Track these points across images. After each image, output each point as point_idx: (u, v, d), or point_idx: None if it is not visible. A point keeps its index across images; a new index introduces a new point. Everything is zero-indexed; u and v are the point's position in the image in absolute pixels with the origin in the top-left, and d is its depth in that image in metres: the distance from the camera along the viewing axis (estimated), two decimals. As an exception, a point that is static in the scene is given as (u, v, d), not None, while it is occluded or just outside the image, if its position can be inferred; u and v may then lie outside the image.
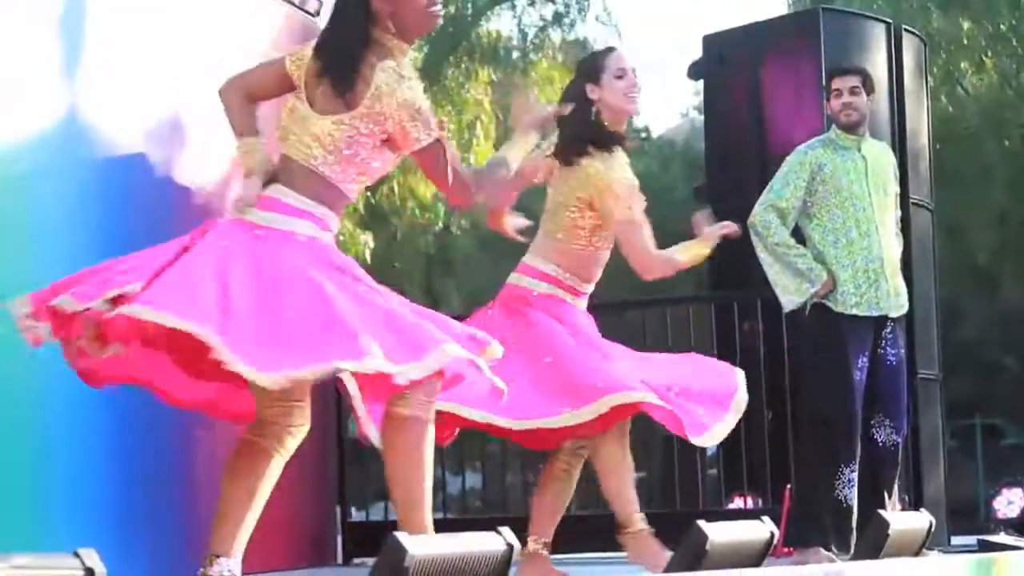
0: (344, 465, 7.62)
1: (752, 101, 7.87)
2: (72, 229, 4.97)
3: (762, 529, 3.99)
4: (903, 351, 5.83)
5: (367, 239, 16.03)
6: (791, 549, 5.88)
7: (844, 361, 5.61)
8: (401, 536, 2.75)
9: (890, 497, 5.75)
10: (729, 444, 7.45)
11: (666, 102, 56.54)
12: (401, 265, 19.24)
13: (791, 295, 5.74)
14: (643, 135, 27.22)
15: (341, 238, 15.58)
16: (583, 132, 4.52)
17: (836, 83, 5.85)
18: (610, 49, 4.74)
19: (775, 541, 4.03)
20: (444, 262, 19.89)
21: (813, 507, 5.68)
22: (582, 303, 4.66)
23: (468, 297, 22.19)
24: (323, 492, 7.16)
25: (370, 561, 2.68)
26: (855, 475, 5.61)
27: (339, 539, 7.39)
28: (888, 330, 5.75)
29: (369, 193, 16.66)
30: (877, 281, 5.70)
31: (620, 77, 4.54)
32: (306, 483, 6.63)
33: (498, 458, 8.69)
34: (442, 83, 16.41)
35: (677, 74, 42.38)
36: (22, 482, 4.74)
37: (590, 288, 4.69)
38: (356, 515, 8.78)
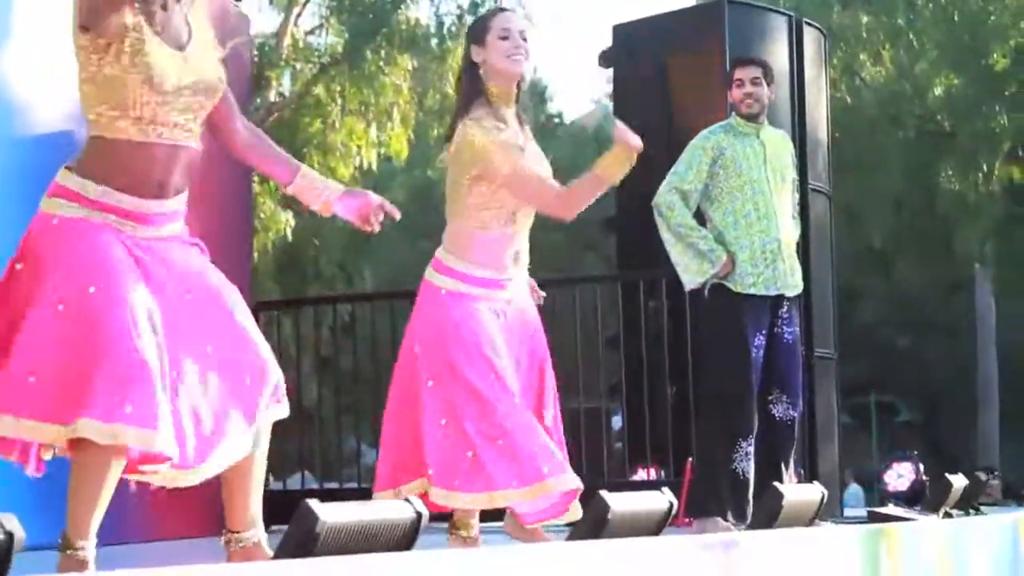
0: (262, 436, 7.72)
1: (660, 89, 8.03)
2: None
3: (662, 500, 4.02)
4: (799, 330, 5.99)
5: (288, 217, 16.21)
6: (691, 520, 5.98)
7: (741, 339, 5.76)
8: (312, 503, 2.77)
9: (787, 470, 5.88)
10: (634, 418, 7.74)
11: (578, 88, 56.64)
12: (320, 243, 19.37)
13: (692, 275, 5.88)
14: (556, 120, 27.42)
15: (262, 216, 15.72)
16: (465, 95, 4.35)
17: (738, 73, 6.01)
18: (498, 10, 4.56)
19: (675, 511, 4.07)
20: (361, 240, 20.01)
21: (712, 479, 5.81)
22: (504, 294, 4.35)
23: (383, 275, 22.35)
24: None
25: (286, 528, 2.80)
26: (752, 448, 5.74)
27: (257, 508, 7.52)
28: (784, 309, 5.90)
29: (291, 175, 16.80)
30: (774, 262, 5.86)
31: (504, 38, 4.30)
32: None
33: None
34: (362, 68, 16.56)
35: (589, 61, 42.55)
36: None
37: (512, 274, 4.37)
38: (274, 484, 8.94)
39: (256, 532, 3.44)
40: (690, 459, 6.75)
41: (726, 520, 5.69)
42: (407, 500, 3.12)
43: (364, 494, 7.54)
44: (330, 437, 9.30)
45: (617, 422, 8.66)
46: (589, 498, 3.80)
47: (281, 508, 7.51)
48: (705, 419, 6.03)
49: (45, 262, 3.23)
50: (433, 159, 16.06)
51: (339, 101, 16.96)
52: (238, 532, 3.42)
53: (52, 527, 3.27)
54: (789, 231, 6.00)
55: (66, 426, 3.13)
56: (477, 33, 4.39)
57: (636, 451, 7.70)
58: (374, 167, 17.35)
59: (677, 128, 7.66)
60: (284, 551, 2.81)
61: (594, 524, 3.72)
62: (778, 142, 6.08)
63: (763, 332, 5.84)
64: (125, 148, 3.29)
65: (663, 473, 7.44)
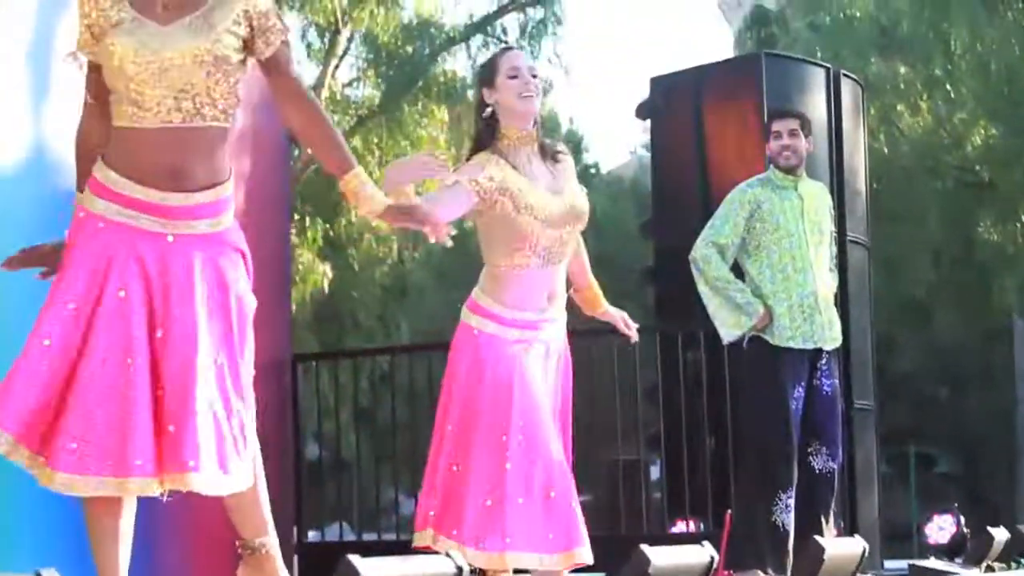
0: (300, 487, 7.75)
1: (696, 140, 8.07)
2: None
3: (702, 553, 4.12)
4: (837, 382, 5.97)
5: (326, 269, 16.30)
6: (730, 573, 5.89)
7: (780, 391, 5.75)
8: (354, 559, 2.84)
9: (827, 522, 5.84)
10: (672, 470, 7.71)
11: (615, 139, 56.83)
12: (357, 295, 19.47)
13: (729, 328, 5.89)
14: (592, 170, 27.49)
15: (300, 267, 15.83)
16: (478, 139, 4.26)
17: (776, 126, 6.00)
18: (505, 49, 4.52)
19: (715, 565, 4.15)
20: (398, 292, 20.11)
21: (751, 532, 5.78)
22: (542, 335, 4.17)
23: (420, 325, 22.45)
24: (280, 513, 7.24)
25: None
26: (791, 500, 5.71)
27: (295, 560, 7.51)
28: (823, 362, 5.90)
29: (328, 225, 16.87)
30: (812, 315, 5.86)
31: (513, 77, 4.18)
32: (264, 504, 6.79)
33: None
34: (398, 120, 16.69)
35: (627, 113, 42.70)
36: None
37: (547, 314, 4.19)
38: (312, 536, 8.93)
39: (265, 540, 3.38)
40: (729, 511, 6.74)
41: (766, 573, 5.66)
42: (448, 555, 3.13)
43: (402, 546, 7.55)
44: (368, 488, 9.29)
45: (655, 473, 8.64)
46: (629, 551, 3.78)
47: (318, 560, 7.58)
48: (745, 471, 6.02)
49: (66, 256, 3.25)
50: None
51: (376, 153, 17.07)
52: (244, 540, 3.39)
53: (93, 577, 3.28)
54: (827, 284, 6.00)
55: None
56: (486, 75, 4.28)
57: (675, 503, 7.68)
58: (411, 218, 17.41)
59: (714, 179, 7.70)
60: (326, 605, 2.82)
61: (635, 578, 3.71)
62: (816, 195, 6.06)
63: (802, 384, 5.83)
64: (128, 135, 3.24)
65: (702, 525, 7.41)
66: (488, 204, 4.10)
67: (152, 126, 3.22)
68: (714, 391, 7.34)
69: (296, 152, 16.48)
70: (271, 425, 7.06)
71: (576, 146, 28.66)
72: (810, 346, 5.87)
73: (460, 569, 3.09)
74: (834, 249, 6.21)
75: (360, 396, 9.53)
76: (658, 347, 7.80)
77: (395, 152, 16.93)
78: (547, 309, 4.20)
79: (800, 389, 5.82)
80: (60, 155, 5.38)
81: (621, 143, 57.26)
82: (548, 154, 4.26)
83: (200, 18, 3.26)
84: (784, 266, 5.89)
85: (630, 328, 4.63)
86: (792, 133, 5.96)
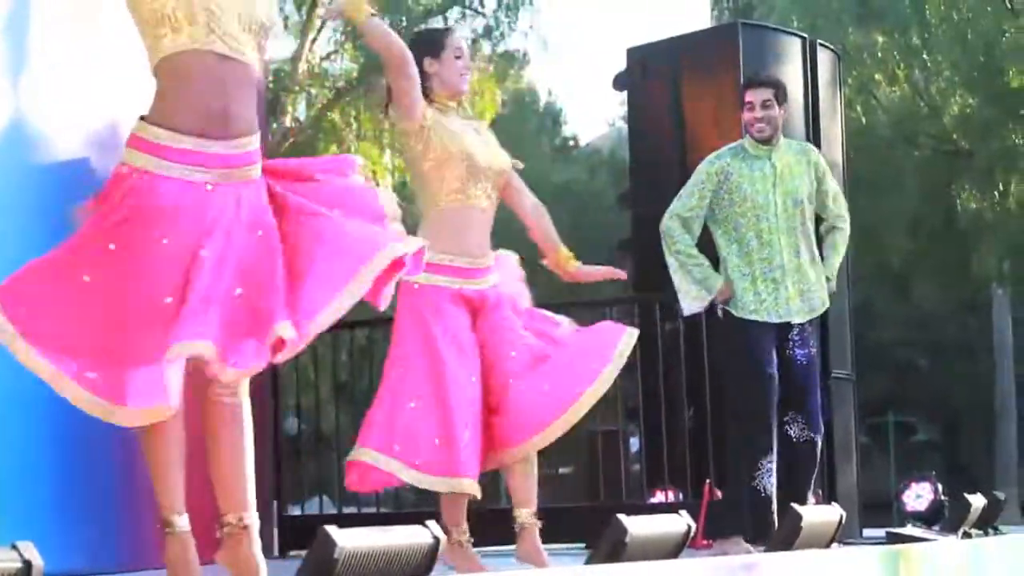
0: (280, 461, 7.75)
1: (674, 111, 8.05)
2: (12, 233, 4.89)
3: (679, 522, 4.07)
4: (814, 351, 5.95)
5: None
6: (711, 541, 5.98)
7: (755, 359, 5.76)
8: (331, 529, 2.80)
9: (807, 491, 5.85)
10: (651, 440, 7.74)
11: (594, 111, 56.82)
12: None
13: (691, 301, 5.92)
14: (571, 143, 27.51)
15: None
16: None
17: (749, 95, 5.93)
18: (449, 29, 4.89)
19: (692, 533, 4.11)
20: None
21: (733, 499, 5.83)
22: (476, 284, 4.54)
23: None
24: (260, 488, 7.26)
25: (304, 554, 2.77)
26: (772, 466, 5.73)
27: (275, 533, 7.50)
28: (794, 332, 5.87)
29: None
30: (776, 289, 5.83)
31: (459, 57, 4.64)
32: (244, 479, 6.77)
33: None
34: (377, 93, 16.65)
35: (604, 84, 42.70)
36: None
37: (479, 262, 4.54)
38: (292, 509, 8.90)
39: (244, 515, 3.41)
40: (708, 481, 6.76)
41: (748, 540, 5.66)
42: (425, 525, 3.14)
43: (383, 519, 7.57)
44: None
45: (635, 444, 8.66)
46: (608, 522, 3.80)
47: (299, 534, 7.60)
48: (725, 440, 6.02)
49: None
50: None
51: (354, 126, 17.05)
52: (221, 517, 3.42)
53: (71, 554, 3.28)
54: (801, 254, 5.92)
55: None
56: (432, 46, 4.65)
57: (654, 473, 7.70)
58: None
59: (692, 150, 7.69)
60: (303, 577, 2.81)
61: (612, 548, 3.74)
62: (793, 161, 5.98)
63: (771, 354, 5.82)
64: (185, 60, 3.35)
65: (681, 495, 7.43)
66: (424, 140, 4.51)
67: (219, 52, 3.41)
68: (692, 361, 7.36)
69: (274, 125, 16.44)
70: (251, 400, 7.07)
71: (554, 119, 28.66)
72: (775, 319, 5.85)
73: (437, 539, 3.10)
74: (833, 207, 6.08)
75: (339, 369, 9.52)
76: (636, 318, 7.81)
77: (373, 125, 16.90)
78: (479, 257, 4.52)
79: (773, 356, 5.81)
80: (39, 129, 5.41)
81: (599, 115, 57.16)
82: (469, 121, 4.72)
83: None
84: (748, 240, 5.87)
85: (615, 272, 4.88)
86: (765, 104, 5.90)
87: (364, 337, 8.74)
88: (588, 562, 3.80)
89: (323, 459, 8.87)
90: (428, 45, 4.67)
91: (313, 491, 9.19)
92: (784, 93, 6.00)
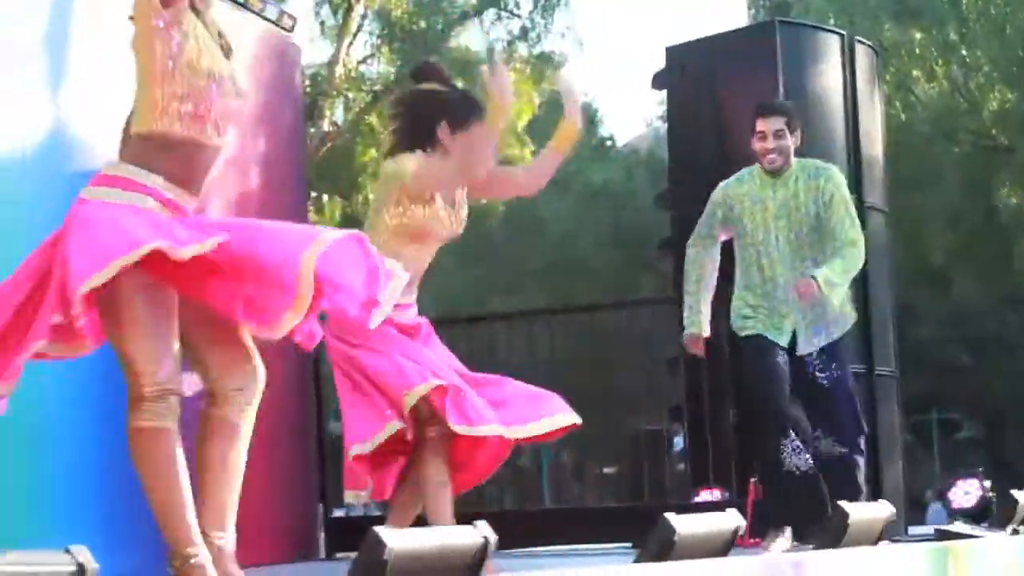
0: (325, 464, 7.78)
1: (712, 110, 8.04)
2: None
3: (728, 520, 4.04)
4: (837, 373, 5.83)
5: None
6: (759, 539, 5.90)
7: (762, 350, 5.74)
8: (381, 530, 2.78)
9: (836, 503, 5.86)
10: (696, 439, 7.73)
11: (631, 111, 56.77)
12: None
13: (686, 325, 6.04)
14: (608, 143, 27.45)
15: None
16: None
17: (761, 125, 5.77)
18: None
19: (741, 531, 4.08)
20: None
21: (772, 490, 5.81)
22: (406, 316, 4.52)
23: (436, 300, 22.54)
24: (306, 490, 7.28)
25: (352, 555, 2.77)
26: (797, 442, 5.63)
27: (321, 535, 7.49)
28: (814, 356, 5.81)
29: (345, 201, 16.89)
30: (783, 323, 5.78)
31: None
32: (290, 482, 6.75)
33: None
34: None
35: (642, 84, 42.71)
36: (14, 482, 4.78)
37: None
38: (337, 512, 8.95)
39: (222, 535, 3.39)
40: (753, 480, 6.75)
41: (798, 528, 5.63)
42: (474, 525, 3.14)
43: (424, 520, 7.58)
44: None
45: (679, 444, 8.66)
46: (653, 521, 3.80)
47: (345, 535, 7.62)
48: (754, 432, 6.02)
49: None
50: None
51: (392, 129, 17.07)
52: (206, 534, 3.37)
53: (121, 557, 3.30)
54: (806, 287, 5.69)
55: None
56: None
57: (698, 472, 7.70)
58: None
59: (730, 148, 7.66)
60: (353, 580, 2.82)
61: (660, 547, 3.72)
62: (801, 189, 5.80)
63: (777, 347, 5.78)
64: None
65: (726, 494, 7.42)
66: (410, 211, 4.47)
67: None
68: (735, 360, 7.34)
69: (312, 129, 16.50)
70: (294, 402, 7.13)
71: (591, 119, 28.59)
72: (782, 343, 5.80)
73: (486, 539, 3.10)
74: (845, 229, 5.79)
75: (382, 372, 9.53)
76: (678, 318, 7.81)
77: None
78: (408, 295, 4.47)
79: (777, 349, 5.77)
80: (76, 138, 5.46)
81: (636, 115, 57.11)
82: None
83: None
84: (752, 273, 5.86)
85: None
86: (777, 134, 5.77)
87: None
88: (636, 561, 3.78)
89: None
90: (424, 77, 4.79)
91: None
92: (797, 120, 5.88)
